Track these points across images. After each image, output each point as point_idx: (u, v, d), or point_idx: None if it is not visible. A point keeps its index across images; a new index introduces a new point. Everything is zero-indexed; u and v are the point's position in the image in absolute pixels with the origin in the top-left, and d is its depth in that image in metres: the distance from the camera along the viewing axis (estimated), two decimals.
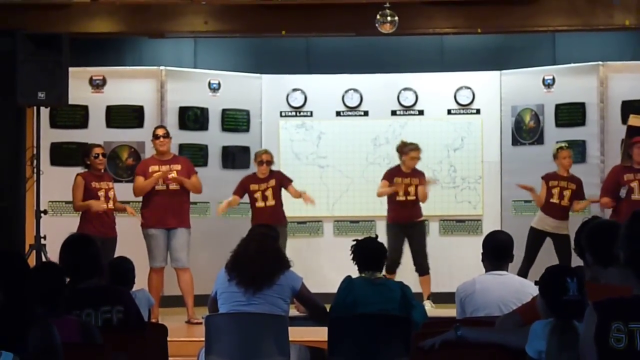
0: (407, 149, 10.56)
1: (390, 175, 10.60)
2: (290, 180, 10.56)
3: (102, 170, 9.73)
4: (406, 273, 10.27)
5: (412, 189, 10.51)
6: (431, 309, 10.02)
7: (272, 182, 10.43)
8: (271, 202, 10.40)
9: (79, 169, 9.69)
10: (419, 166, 10.68)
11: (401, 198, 10.51)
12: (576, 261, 9.35)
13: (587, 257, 4.60)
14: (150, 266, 9.69)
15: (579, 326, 3.76)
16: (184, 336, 8.87)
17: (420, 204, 10.58)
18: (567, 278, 4.13)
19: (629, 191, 9.30)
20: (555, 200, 10.19)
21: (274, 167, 10.59)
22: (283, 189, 10.53)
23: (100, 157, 9.64)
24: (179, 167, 9.88)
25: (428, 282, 10.54)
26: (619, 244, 3.37)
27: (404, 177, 10.54)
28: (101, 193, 9.56)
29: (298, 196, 10.54)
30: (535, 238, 10.11)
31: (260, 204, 10.38)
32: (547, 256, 9.97)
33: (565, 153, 10.26)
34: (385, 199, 10.67)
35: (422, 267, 10.53)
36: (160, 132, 9.93)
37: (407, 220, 10.50)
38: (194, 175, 9.93)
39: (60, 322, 4.63)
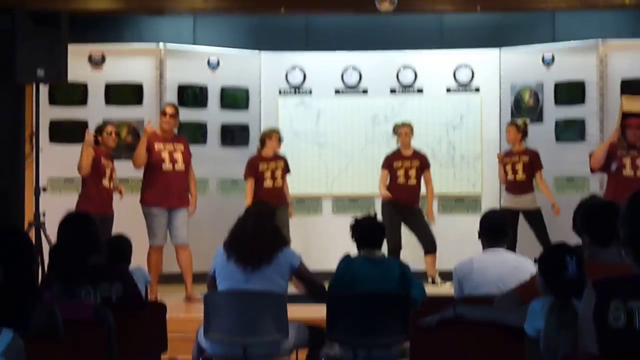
0: (397, 127, 10.57)
1: (389, 162, 10.53)
2: (289, 171, 10.54)
3: (112, 149, 9.71)
4: (406, 252, 10.29)
5: (412, 172, 10.45)
6: (440, 285, 10.18)
7: (282, 164, 10.39)
8: (279, 182, 10.35)
9: (78, 147, 9.62)
10: (421, 147, 10.69)
11: (401, 181, 10.46)
12: (553, 235, 9.52)
13: (584, 237, 4.59)
14: (150, 244, 9.67)
15: (578, 305, 3.77)
16: (183, 313, 8.89)
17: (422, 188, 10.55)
18: (567, 257, 4.14)
19: (620, 167, 9.29)
20: (510, 177, 10.32)
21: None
22: None
23: (114, 134, 9.63)
24: (182, 146, 9.85)
25: (434, 262, 10.44)
26: (619, 224, 3.37)
27: (404, 159, 10.50)
28: (107, 171, 9.54)
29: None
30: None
31: (268, 183, 10.30)
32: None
33: (508, 127, 10.46)
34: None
35: (431, 243, 10.39)
36: (169, 110, 9.86)
37: (404, 202, 10.41)
38: (190, 166, 9.90)
39: (76, 305, 4.65)
